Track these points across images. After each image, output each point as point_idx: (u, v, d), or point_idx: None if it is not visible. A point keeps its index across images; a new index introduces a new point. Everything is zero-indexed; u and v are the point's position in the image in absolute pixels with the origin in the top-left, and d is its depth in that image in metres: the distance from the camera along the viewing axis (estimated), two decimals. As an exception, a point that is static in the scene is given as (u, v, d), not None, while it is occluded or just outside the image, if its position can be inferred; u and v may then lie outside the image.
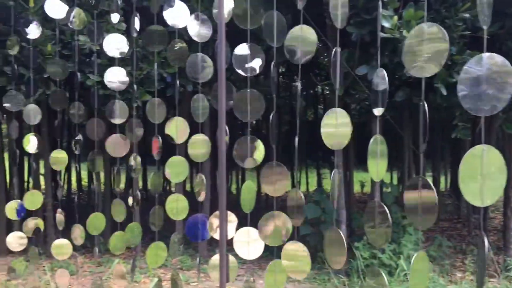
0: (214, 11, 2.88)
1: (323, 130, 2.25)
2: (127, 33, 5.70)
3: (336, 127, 2.19)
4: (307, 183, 13.42)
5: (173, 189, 10.87)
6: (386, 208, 1.91)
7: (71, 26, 3.82)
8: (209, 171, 7.11)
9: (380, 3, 2.13)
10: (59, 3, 3.81)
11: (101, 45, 5.36)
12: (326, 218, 6.33)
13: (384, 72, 2.04)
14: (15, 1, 4.81)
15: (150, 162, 11.03)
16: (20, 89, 4.86)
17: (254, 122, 14.42)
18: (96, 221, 3.72)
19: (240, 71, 2.90)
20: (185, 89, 6.12)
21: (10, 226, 6.78)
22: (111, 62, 5.47)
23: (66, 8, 3.85)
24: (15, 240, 4.25)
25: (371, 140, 1.98)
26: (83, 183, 13.13)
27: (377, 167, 1.90)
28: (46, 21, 5.18)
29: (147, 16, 4.87)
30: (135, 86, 4.77)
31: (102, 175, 8.12)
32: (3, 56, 4.89)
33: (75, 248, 6.82)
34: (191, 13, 3.25)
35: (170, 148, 6.80)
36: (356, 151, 8.01)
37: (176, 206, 3.30)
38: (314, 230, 6.38)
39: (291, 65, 9.10)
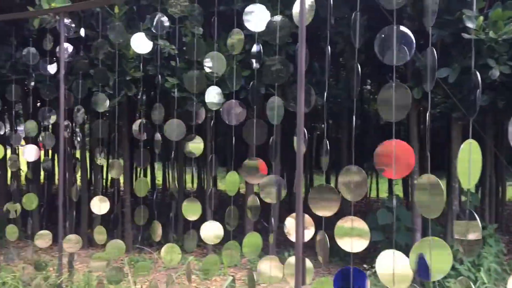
0: (295, 15, 2.88)
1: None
2: (203, 37, 5.88)
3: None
4: (377, 189, 13.11)
5: (241, 190, 11.01)
6: (478, 218, 1.82)
7: (154, 31, 3.98)
8: (278, 172, 7.14)
9: (474, 4, 2.03)
10: (144, 10, 4.00)
11: (179, 49, 5.57)
12: (400, 226, 6.13)
13: (478, 75, 1.95)
14: (102, 8, 5.09)
15: (221, 163, 11.22)
16: (104, 91, 5.13)
17: (323, 125, 14.30)
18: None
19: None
20: (258, 92, 6.19)
21: (91, 221, 7.19)
22: (188, 65, 5.66)
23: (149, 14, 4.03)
24: (97, 234, 4.53)
25: (463, 145, 1.90)
26: (156, 181, 13.63)
27: (470, 173, 1.81)
28: (129, 26, 5.45)
29: (222, 20, 4.98)
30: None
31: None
32: (90, 60, 5.19)
33: (151, 244, 7.11)
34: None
35: (243, 149, 6.89)
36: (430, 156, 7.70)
37: (252, 207, 3.35)
38: (386, 237, 6.20)
39: (362, 67, 8.91)
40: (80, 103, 4.60)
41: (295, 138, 2.89)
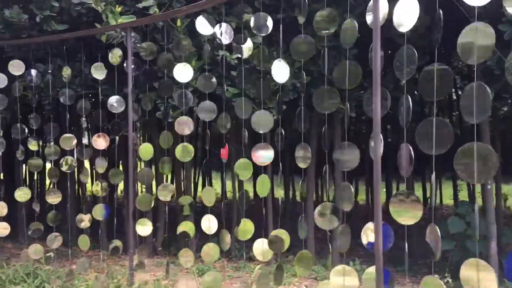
0: (368, 16, 2.80)
1: None
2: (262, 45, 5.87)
3: None
4: (441, 195, 12.60)
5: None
6: None
7: (219, 42, 4.01)
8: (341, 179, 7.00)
9: None
10: (207, 21, 4.05)
11: (238, 58, 5.59)
12: (472, 234, 5.84)
13: None
14: (164, 21, 5.20)
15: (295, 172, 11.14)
16: (168, 103, 5.23)
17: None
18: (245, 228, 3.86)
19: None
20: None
21: (155, 230, 7.33)
22: (248, 74, 5.67)
23: (212, 25, 4.08)
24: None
25: None
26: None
27: None
28: (191, 38, 5.54)
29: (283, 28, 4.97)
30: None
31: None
32: (154, 72, 5.30)
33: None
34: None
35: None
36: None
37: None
38: (457, 245, 5.92)
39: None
40: (147, 115, 4.69)
41: (370, 143, 2.81)
